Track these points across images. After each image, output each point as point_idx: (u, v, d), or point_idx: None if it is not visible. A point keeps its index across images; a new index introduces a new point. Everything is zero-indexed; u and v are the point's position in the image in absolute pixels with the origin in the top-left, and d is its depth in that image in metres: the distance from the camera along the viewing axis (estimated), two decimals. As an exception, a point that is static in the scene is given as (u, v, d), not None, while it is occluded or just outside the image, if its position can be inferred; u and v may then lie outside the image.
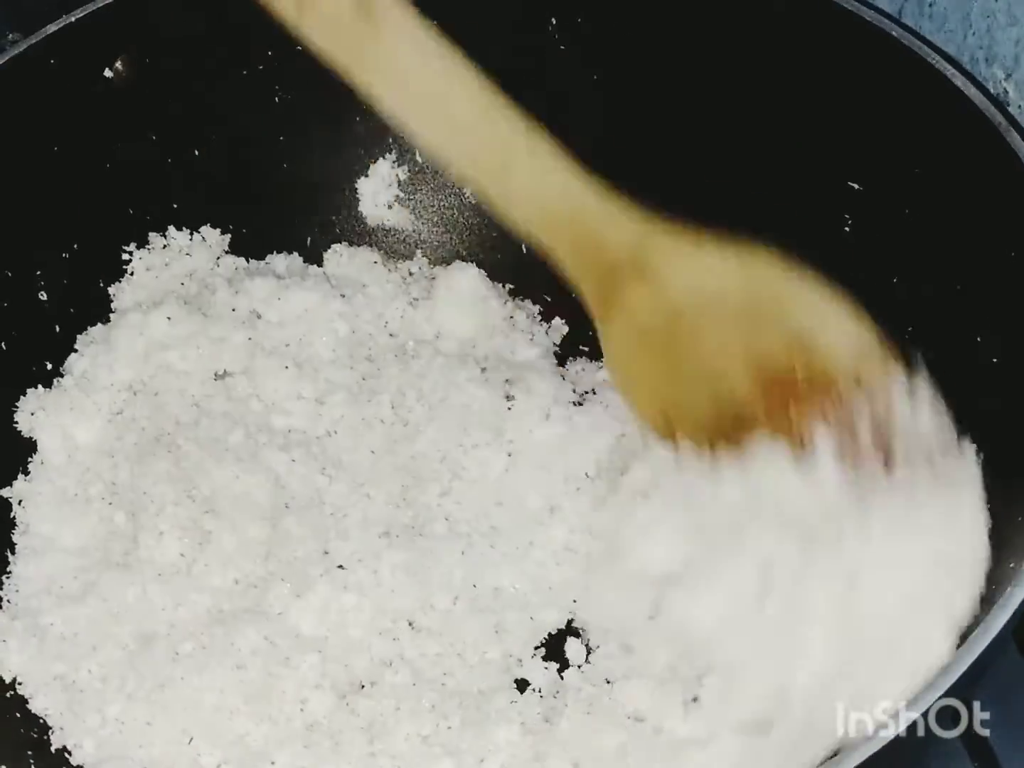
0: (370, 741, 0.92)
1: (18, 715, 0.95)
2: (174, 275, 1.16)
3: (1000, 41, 1.05)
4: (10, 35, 1.28)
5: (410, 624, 0.98)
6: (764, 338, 0.94)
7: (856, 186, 1.04)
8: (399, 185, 1.23)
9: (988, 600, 0.75)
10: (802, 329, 0.93)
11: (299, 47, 1.16)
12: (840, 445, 0.90)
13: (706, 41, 1.09)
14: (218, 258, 1.19)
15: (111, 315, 1.15)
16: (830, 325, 0.93)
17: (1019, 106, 1.03)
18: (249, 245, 1.20)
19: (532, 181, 0.96)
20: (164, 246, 1.17)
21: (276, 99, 1.18)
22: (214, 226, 1.19)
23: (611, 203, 0.98)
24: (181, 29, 1.13)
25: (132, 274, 1.16)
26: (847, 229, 1.05)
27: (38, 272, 1.11)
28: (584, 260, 0.98)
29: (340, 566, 0.99)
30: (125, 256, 1.16)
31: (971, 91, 0.93)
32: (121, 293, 1.16)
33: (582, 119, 1.16)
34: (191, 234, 1.18)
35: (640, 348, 0.99)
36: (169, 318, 1.11)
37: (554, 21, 1.14)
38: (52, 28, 1.07)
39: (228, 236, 1.20)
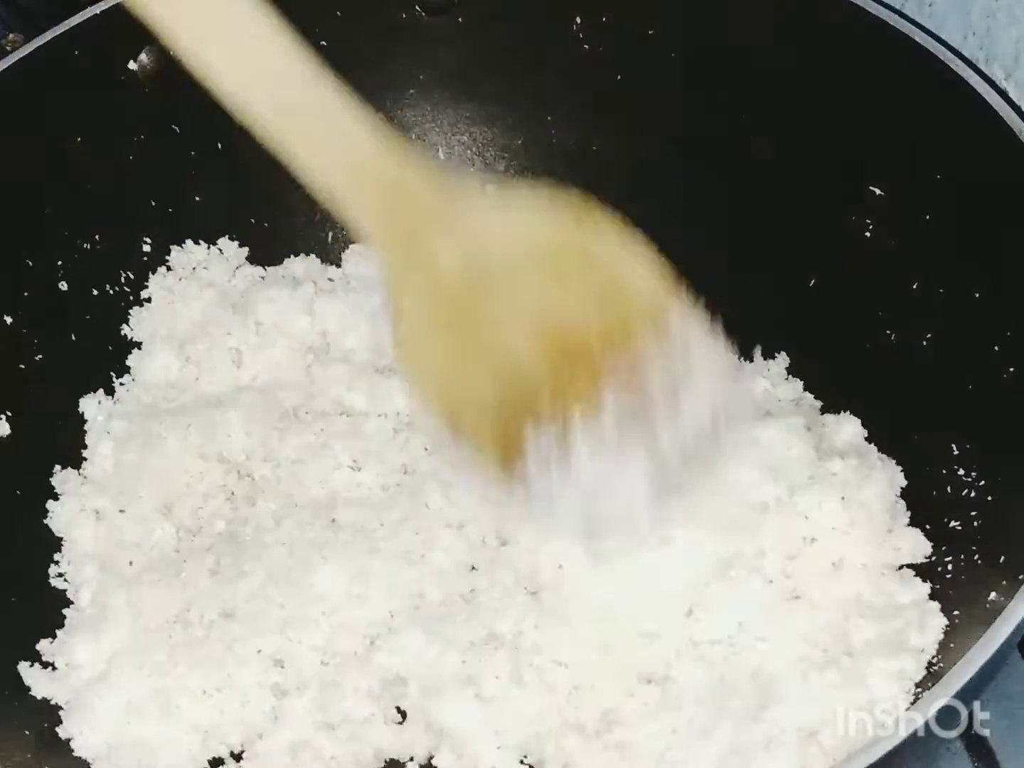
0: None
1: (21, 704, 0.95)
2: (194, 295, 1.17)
3: (1000, 41, 1.05)
4: (11, 35, 1.28)
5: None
6: (565, 294, 0.89)
7: (877, 191, 1.03)
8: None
9: (992, 612, 0.75)
10: (606, 278, 0.89)
11: (323, 43, 1.17)
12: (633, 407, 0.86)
13: (728, 43, 1.09)
14: (237, 268, 1.20)
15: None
16: (633, 272, 0.89)
17: (1020, 106, 1.02)
18: (267, 249, 1.21)
19: (330, 120, 0.86)
20: (182, 266, 1.18)
21: (300, 94, 1.18)
22: (232, 237, 1.20)
23: (414, 154, 0.88)
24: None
25: (151, 300, 1.17)
26: (868, 234, 1.05)
27: (59, 262, 1.11)
28: (390, 212, 0.87)
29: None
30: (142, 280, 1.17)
31: (993, 98, 0.93)
32: (140, 323, 1.16)
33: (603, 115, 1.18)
34: (208, 247, 1.19)
35: (433, 322, 0.89)
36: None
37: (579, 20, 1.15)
38: (78, 19, 1.08)
39: (246, 249, 1.20)
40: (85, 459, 1.09)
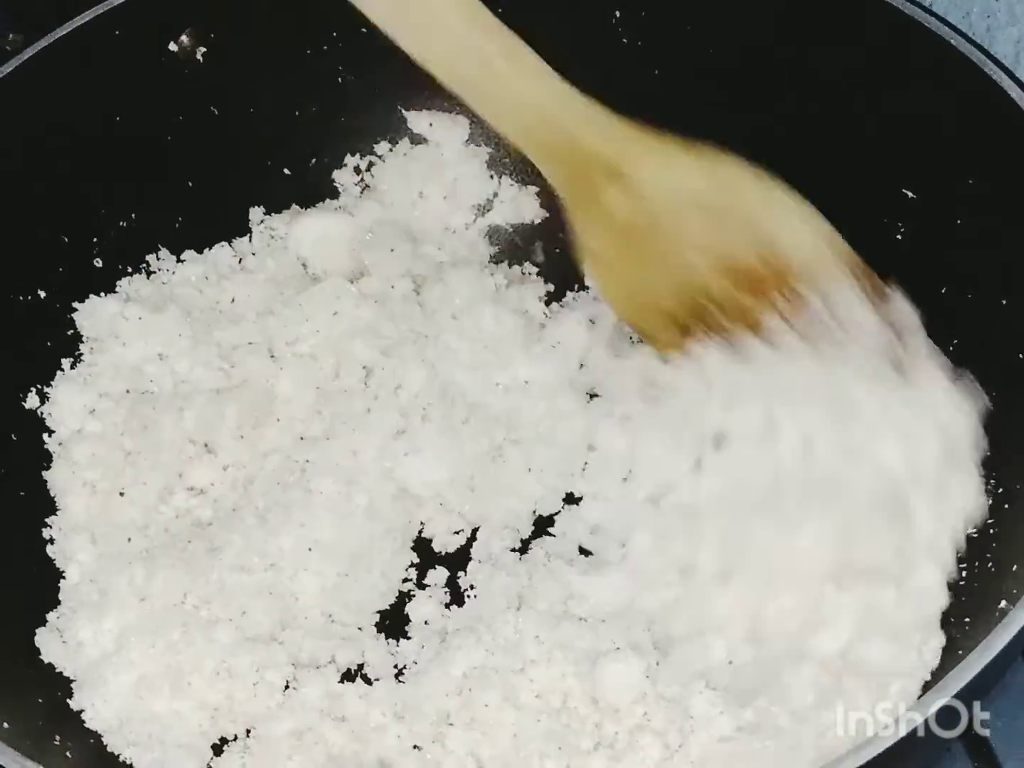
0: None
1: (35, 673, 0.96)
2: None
3: (1000, 41, 1.05)
4: (11, 35, 1.28)
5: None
6: (731, 237, 0.98)
7: (910, 194, 1.03)
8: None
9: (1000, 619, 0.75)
10: (766, 230, 0.98)
11: (365, 29, 1.18)
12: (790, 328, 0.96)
13: (765, 41, 1.09)
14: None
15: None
16: (792, 227, 0.98)
17: (1020, 107, 1.02)
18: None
19: (508, 84, 0.99)
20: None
21: (339, 79, 1.19)
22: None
23: (589, 107, 1.00)
24: (249, 6, 1.15)
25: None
26: (899, 237, 1.04)
27: (94, 239, 1.12)
28: (561, 163, 1.01)
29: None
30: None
31: (1026, 101, 0.93)
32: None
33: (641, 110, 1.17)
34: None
35: (613, 246, 1.02)
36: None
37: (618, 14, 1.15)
38: (82, 19, 1.08)
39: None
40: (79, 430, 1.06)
